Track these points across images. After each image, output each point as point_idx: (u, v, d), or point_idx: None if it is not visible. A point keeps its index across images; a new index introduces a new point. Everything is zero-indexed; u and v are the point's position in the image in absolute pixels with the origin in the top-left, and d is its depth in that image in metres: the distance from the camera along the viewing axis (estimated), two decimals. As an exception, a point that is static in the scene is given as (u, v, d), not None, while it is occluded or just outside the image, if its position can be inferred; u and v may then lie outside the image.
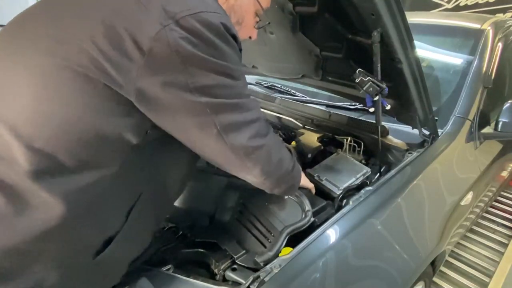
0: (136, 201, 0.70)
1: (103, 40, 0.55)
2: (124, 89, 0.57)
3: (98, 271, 0.68)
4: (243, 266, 0.87)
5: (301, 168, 0.96)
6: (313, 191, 1.07)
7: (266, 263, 0.81)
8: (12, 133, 0.55)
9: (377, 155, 1.25)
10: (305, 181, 1.03)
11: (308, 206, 0.96)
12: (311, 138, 1.36)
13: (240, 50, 0.67)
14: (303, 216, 0.94)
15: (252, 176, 0.75)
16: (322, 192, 1.09)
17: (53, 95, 0.56)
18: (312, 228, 0.93)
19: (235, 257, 0.89)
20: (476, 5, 4.13)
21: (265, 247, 0.90)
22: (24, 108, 0.56)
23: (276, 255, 0.84)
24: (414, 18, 1.80)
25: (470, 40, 1.66)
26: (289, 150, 0.87)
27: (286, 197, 0.99)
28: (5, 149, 0.55)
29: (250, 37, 0.88)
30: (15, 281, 0.56)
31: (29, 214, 0.56)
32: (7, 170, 0.55)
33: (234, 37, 0.63)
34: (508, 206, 2.44)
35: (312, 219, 0.95)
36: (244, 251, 0.91)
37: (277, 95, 1.75)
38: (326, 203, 1.04)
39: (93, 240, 0.65)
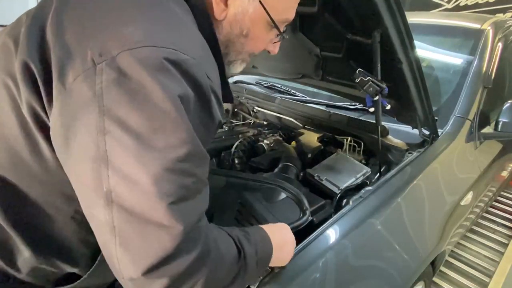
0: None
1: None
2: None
3: None
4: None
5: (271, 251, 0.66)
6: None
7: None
8: None
9: (377, 155, 1.25)
10: (279, 257, 0.72)
11: (306, 205, 0.96)
12: (311, 138, 1.36)
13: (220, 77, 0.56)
14: (301, 215, 0.94)
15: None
16: (322, 192, 1.09)
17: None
18: (311, 227, 0.93)
19: None
20: (476, 5, 4.13)
21: None
22: None
23: None
24: (414, 18, 1.80)
25: (470, 40, 1.66)
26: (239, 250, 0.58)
27: (283, 196, 1.00)
28: None
29: (268, 52, 0.74)
30: None
31: None
32: None
33: (194, 80, 0.48)
34: (508, 206, 2.44)
35: (310, 218, 0.95)
36: None
37: (277, 95, 1.75)
38: (325, 201, 1.04)
39: (57, 272, 0.63)
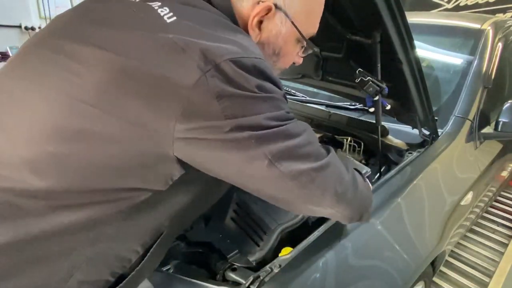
0: (155, 241, 0.67)
1: (135, 95, 0.50)
2: (161, 145, 0.52)
3: None
4: (243, 266, 0.87)
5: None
6: None
7: (258, 261, 0.82)
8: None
9: (377, 155, 1.25)
10: None
11: None
12: (311, 138, 1.36)
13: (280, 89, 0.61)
14: (296, 214, 0.94)
15: (324, 207, 0.64)
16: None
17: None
18: (308, 226, 0.93)
19: (227, 256, 0.89)
20: (476, 5, 4.13)
21: (258, 246, 0.91)
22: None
23: (268, 254, 0.85)
24: (414, 18, 1.80)
25: (470, 40, 1.66)
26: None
27: None
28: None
29: (294, 63, 0.80)
30: None
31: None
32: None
33: (273, 81, 0.57)
34: (508, 206, 2.44)
35: (306, 216, 0.95)
36: (237, 250, 0.91)
37: (277, 95, 1.75)
38: None
39: (107, 278, 0.63)
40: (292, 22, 0.65)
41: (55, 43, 0.57)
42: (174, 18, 0.55)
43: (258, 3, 0.62)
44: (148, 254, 0.66)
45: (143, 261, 0.65)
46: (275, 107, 0.56)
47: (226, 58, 0.51)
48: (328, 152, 0.65)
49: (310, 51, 0.77)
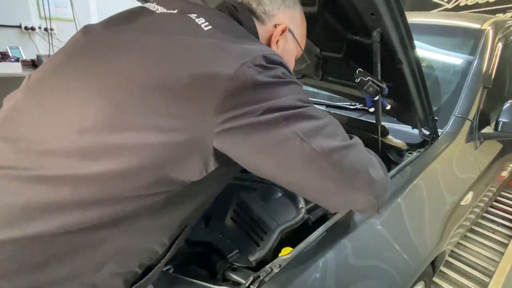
0: (180, 233, 0.72)
1: (179, 92, 0.56)
2: (203, 136, 0.57)
3: None
4: (243, 266, 0.87)
5: None
6: None
7: (259, 261, 0.82)
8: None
9: (377, 155, 1.25)
10: None
11: (301, 203, 0.96)
12: (311, 138, 1.36)
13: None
14: (297, 213, 0.94)
15: (356, 191, 0.65)
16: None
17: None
18: (309, 226, 0.93)
19: (227, 256, 0.89)
20: (476, 5, 4.13)
21: (258, 246, 0.91)
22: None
23: (268, 254, 0.85)
24: (414, 18, 1.80)
25: (470, 40, 1.66)
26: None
27: (279, 195, 1.00)
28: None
29: None
30: None
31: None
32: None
33: (292, 73, 0.67)
34: (508, 206, 2.44)
35: (306, 216, 0.95)
36: (237, 250, 0.91)
37: (277, 95, 1.75)
38: None
39: (136, 272, 0.65)
40: (297, 41, 0.84)
41: (110, 43, 0.65)
42: (210, 27, 0.64)
43: (275, 26, 0.78)
44: (173, 246, 0.70)
45: (168, 253, 0.70)
46: (299, 91, 0.64)
47: (259, 53, 0.60)
48: (352, 136, 0.70)
49: (298, 68, 0.97)
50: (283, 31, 0.79)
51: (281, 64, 0.64)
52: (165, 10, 0.70)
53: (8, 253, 0.51)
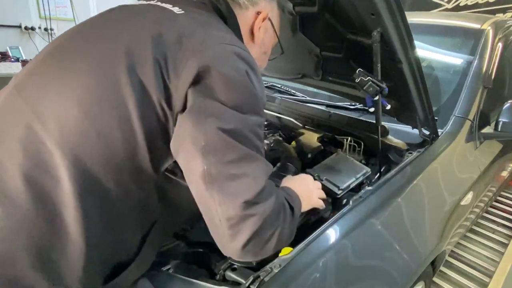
0: (149, 230, 0.71)
1: (150, 71, 0.59)
2: (171, 113, 0.59)
3: None
4: (243, 266, 0.87)
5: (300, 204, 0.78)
6: (322, 206, 0.97)
7: (258, 261, 0.81)
8: (58, 147, 0.57)
9: (377, 155, 1.25)
10: (311, 205, 0.92)
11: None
12: (311, 138, 1.36)
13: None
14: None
15: (227, 249, 0.63)
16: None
17: (105, 118, 0.59)
18: (307, 226, 0.93)
19: (227, 256, 0.89)
20: (476, 5, 4.13)
21: None
22: (76, 124, 0.58)
23: None
24: (414, 18, 1.80)
25: (470, 40, 1.66)
26: (291, 207, 0.71)
27: None
28: (47, 159, 0.57)
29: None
30: None
31: (58, 224, 0.57)
32: (50, 184, 0.57)
33: (258, 73, 0.67)
34: (508, 206, 2.44)
35: (307, 216, 0.95)
36: None
37: (277, 95, 1.75)
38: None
39: (108, 266, 0.66)
40: (274, 30, 0.87)
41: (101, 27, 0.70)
42: (183, 12, 0.68)
43: (258, 13, 0.80)
44: (145, 243, 0.70)
45: (141, 251, 0.70)
46: (257, 111, 0.63)
47: (222, 42, 0.62)
48: (269, 197, 0.62)
49: (277, 56, 0.99)
50: (263, 19, 0.81)
51: (248, 61, 0.64)
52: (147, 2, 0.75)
53: None
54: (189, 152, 0.58)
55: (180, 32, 0.62)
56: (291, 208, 0.70)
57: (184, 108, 0.59)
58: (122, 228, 0.65)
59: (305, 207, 0.87)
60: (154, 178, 0.65)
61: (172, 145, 0.62)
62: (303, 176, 0.97)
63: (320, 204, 0.95)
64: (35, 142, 0.58)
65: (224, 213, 0.57)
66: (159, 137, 0.61)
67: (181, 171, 0.63)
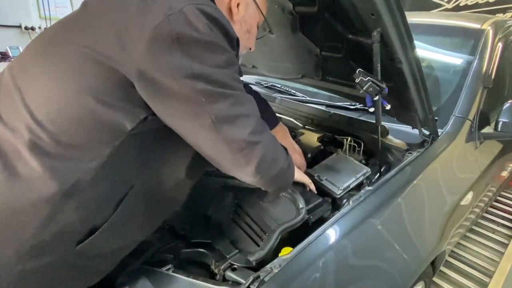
0: (126, 193, 0.71)
1: (112, 34, 0.61)
2: (125, 68, 0.61)
3: (80, 262, 0.69)
4: (243, 266, 0.87)
5: (294, 165, 0.93)
6: (311, 186, 1.07)
7: (259, 261, 0.82)
8: (24, 104, 0.64)
9: (377, 155, 1.25)
10: (300, 176, 1.03)
11: (302, 204, 0.96)
12: (311, 138, 1.36)
13: (238, 47, 0.70)
14: (297, 213, 0.94)
15: (244, 174, 0.73)
16: (322, 192, 1.09)
17: (61, 75, 0.64)
18: (309, 226, 0.93)
19: (227, 256, 0.89)
20: (476, 5, 4.13)
21: (258, 246, 0.91)
22: (42, 87, 0.64)
23: (268, 254, 0.85)
24: (414, 18, 1.80)
25: (470, 40, 1.66)
26: (284, 148, 0.84)
27: (280, 195, 1.00)
28: (16, 118, 0.63)
29: (250, 48, 0.93)
30: None
31: (20, 184, 0.60)
32: (10, 137, 0.62)
33: (230, 34, 0.66)
34: (508, 206, 2.44)
35: (306, 216, 0.95)
36: (237, 250, 0.91)
37: (277, 95, 1.75)
38: (322, 199, 1.04)
39: (78, 226, 0.66)
40: (258, 6, 0.85)
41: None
42: None
43: None
44: (118, 207, 0.70)
45: (113, 215, 0.70)
46: (234, 63, 0.67)
47: (189, 3, 0.61)
48: (264, 129, 0.75)
49: (262, 35, 0.99)
50: None
51: (219, 21, 0.63)
52: None
53: None
54: (189, 113, 0.64)
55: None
56: (283, 146, 0.84)
57: (147, 74, 0.61)
58: (95, 186, 0.66)
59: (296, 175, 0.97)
60: (123, 136, 0.66)
61: (161, 112, 0.65)
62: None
63: (308, 181, 1.06)
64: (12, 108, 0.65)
65: (237, 145, 0.67)
66: (115, 93, 0.64)
67: (152, 128, 0.68)
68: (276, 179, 0.79)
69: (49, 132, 0.62)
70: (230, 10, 0.81)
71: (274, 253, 0.87)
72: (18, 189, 0.60)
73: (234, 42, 0.68)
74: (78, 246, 0.67)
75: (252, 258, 0.86)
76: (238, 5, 0.80)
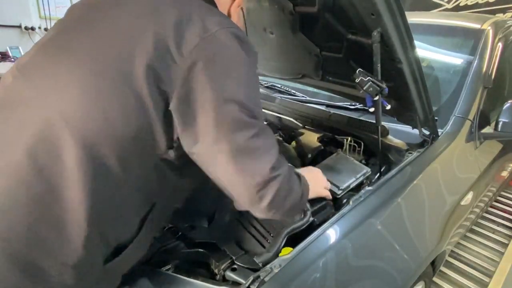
0: (149, 211, 0.72)
1: (153, 51, 0.60)
2: (169, 90, 0.61)
3: (105, 277, 0.70)
4: (243, 267, 0.87)
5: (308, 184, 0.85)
6: (329, 197, 1.05)
7: (265, 263, 0.81)
8: (64, 125, 0.59)
9: (377, 155, 1.25)
10: (319, 192, 1.01)
11: (307, 206, 0.96)
12: (311, 138, 1.36)
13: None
14: (302, 216, 0.94)
15: (257, 210, 0.69)
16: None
17: (106, 98, 0.61)
18: (311, 227, 0.93)
19: (234, 257, 0.89)
20: (476, 5, 4.13)
21: (264, 247, 0.90)
22: (80, 106, 0.60)
23: (275, 256, 0.84)
24: (414, 18, 1.80)
25: (470, 40, 1.66)
26: (298, 175, 0.79)
27: None
28: (55, 139, 0.59)
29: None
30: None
31: (59, 204, 0.59)
32: (53, 159, 0.59)
33: (256, 56, 0.69)
34: (508, 206, 2.44)
35: (311, 219, 0.95)
36: (243, 251, 0.91)
37: (277, 95, 1.75)
38: (326, 202, 1.04)
39: (108, 245, 0.67)
40: (244, 19, 0.88)
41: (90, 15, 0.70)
42: None
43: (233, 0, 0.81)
44: (144, 225, 0.71)
45: (140, 233, 0.71)
46: (256, 78, 0.69)
47: (221, 27, 0.62)
48: (283, 162, 0.70)
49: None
50: (239, 5, 0.83)
51: (245, 42, 0.66)
52: None
53: None
54: (212, 136, 0.62)
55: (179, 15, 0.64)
56: (298, 175, 0.78)
57: (183, 92, 0.61)
58: (122, 207, 0.66)
59: (312, 193, 0.93)
60: (154, 158, 0.67)
61: (186, 132, 0.63)
62: (311, 168, 1.07)
63: (327, 194, 1.03)
64: (39, 122, 0.60)
65: (254, 180, 0.63)
66: (160, 117, 0.63)
67: (181, 153, 0.66)
68: (289, 212, 0.74)
69: (95, 155, 0.61)
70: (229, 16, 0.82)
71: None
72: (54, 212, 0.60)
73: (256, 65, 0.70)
74: (106, 265, 0.68)
75: (258, 260, 0.85)
76: (234, 14, 0.83)
